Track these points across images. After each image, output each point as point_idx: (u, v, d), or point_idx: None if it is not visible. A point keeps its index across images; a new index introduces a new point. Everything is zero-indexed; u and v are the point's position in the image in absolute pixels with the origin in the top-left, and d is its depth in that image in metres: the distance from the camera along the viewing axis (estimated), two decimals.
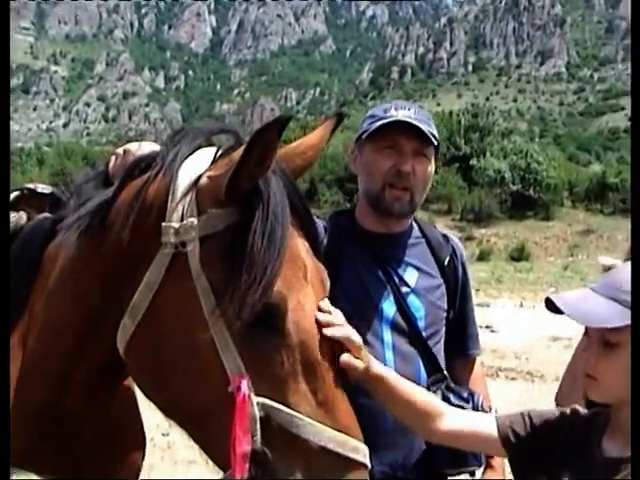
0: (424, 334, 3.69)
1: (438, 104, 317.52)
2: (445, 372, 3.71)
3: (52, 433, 2.89)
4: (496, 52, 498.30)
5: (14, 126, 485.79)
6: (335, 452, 2.27)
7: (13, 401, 2.76)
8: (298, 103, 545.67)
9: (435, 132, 3.75)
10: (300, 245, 2.49)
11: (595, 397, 2.82)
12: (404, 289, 3.71)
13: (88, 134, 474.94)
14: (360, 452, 2.33)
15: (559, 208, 69.21)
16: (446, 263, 3.88)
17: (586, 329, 2.88)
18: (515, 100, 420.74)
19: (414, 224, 3.97)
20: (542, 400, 5.19)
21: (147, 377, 2.59)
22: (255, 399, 2.28)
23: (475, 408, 3.55)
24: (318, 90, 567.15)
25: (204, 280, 2.36)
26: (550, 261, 55.50)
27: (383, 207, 3.71)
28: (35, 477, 2.89)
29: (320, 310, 2.44)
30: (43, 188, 3.18)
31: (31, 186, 3.25)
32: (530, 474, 2.88)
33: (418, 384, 3.44)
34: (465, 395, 3.63)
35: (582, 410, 2.95)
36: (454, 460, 3.57)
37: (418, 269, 3.80)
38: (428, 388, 3.55)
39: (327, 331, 2.39)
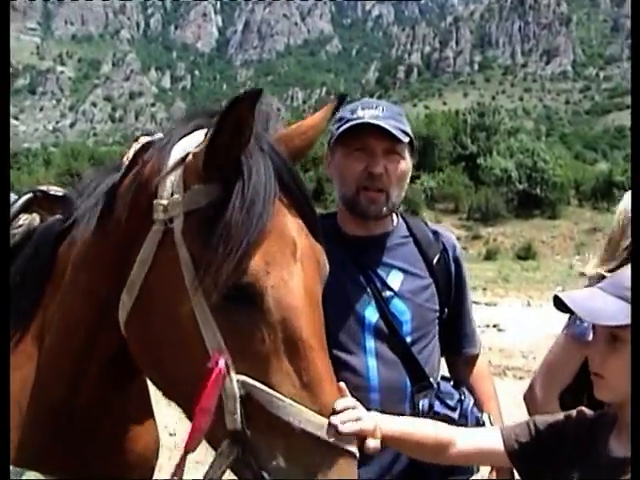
0: (409, 338, 3.60)
1: (444, 103, 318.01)
2: (431, 379, 3.60)
3: (65, 431, 2.87)
4: (502, 51, 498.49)
5: (20, 127, 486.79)
6: (316, 436, 2.20)
7: (28, 400, 2.81)
8: (304, 103, 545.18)
9: (406, 128, 3.63)
10: (290, 223, 2.45)
11: (603, 396, 2.84)
12: (387, 293, 3.63)
13: (95, 134, 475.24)
14: (343, 437, 2.25)
15: (566, 207, 69.18)
16: (435, 261, 3.77)
17: (593, 328, 2.88)
18: (521, 99, 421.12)
19: (402, 222, 3.89)
20: None
21: (142, 352, 2.58)
22: (235, 377, 2.26)
23: (463, 415, 3.50)
24: (324, 90, 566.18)
25: (186, 254, 2.37)
26: (557, 260, 55.49)
27: (359, 210, 3.64)
28: (43, 477, 2.85)
29: (335, 412, 2.30)
30: (55, 190, 3.20)
31: (43, 188, 3.27)
32: (539, 478, 2.91)
33: (403, 392, 3.53)
34: (453, 403, 3.53)
35: (588, 411, 2.95)
36: (445, 471, 3.47)
37: (403, 271, 3.70)
38: (413, 396, 3.52)
39: (342, 428, 2.26)
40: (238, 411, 2.24)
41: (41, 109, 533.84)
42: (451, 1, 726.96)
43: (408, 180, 3.78)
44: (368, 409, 3.17)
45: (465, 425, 3.39)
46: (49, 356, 2.84)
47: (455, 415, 3.47)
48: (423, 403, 3.49)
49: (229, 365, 2.27)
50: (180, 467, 2.35)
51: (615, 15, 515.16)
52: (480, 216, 66.09)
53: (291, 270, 2.36)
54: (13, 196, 3.30)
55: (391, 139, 3.53)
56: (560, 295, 2.88)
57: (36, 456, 2.82)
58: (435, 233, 3.89)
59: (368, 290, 3.63)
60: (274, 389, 2.24)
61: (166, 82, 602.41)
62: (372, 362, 3.53)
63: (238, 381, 2.25)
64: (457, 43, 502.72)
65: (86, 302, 2.69)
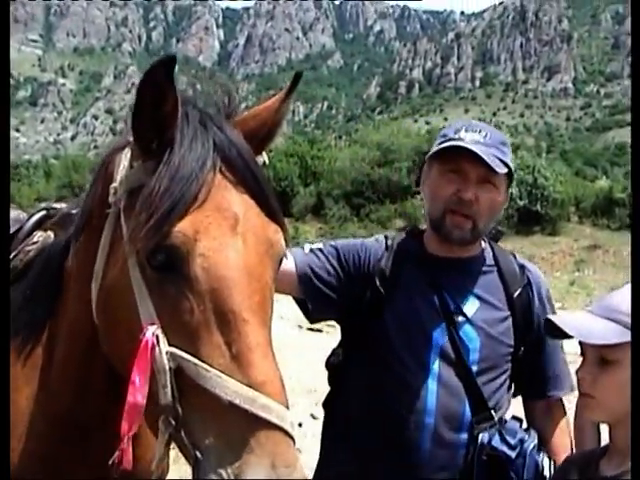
0: (476, 367, 3.52)
1: (445, 119, 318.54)
2: (493, 412, 3.51)
3: (72, 440, 2.91)
4: (503, 67, 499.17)
5: (21, 138, 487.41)
6: (243, 409, 2.12)
7: (37, 410, 2.87)
8: (306, 117, 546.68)
9: (506, 158, 3.55)
10: (234, 198, 2.41)
11: (595, 416, 2.98)
12: (459, 318, 3.56)
13: (95, 147, 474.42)
14: (273, 412, 2.13)
15: (566, 223, 69.11)
16: (517, 294, 3.67)
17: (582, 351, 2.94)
18: (522, 115, 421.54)
19: (489, 250, 3.82)
20: None
21: (103, 335, 2.59)
22: (165, 348, 2.23)
23: (522, 455, 3.38)
24: (326, 104, 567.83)
25: (125, 230, 2.41)
26: (557, 276, 55.49)
27: (443, 233, 3.60)
28: None
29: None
30: (68, 208, 3.19)
31: (56, 206, 3.31)
32: None
33: (460, 420, 3.46)
34: (513, 442, 3.40)
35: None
36: None
37: (481, 299, 3.62)
38: (472, 427, 3.45)
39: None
40: (169, 384, 2.20)
41: (42, 121, 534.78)
42: (453, 17, 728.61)
43: (500, 212, 3.74)
44: (420, 434, 3.42)
45: (522, 466, 3.34)
46: (58, 366, 2.87)
47: (513, 454, 3.36)
48: (483, 436, 3.41)
49: (159, 337, 2.23)
50: (124, 452, 2.31)
51: (616, 33, 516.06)
52: None
53: (226, 242, 2.32)
54: (19, 212, 3.45)
55: (487, 167, 3.44)
56: (551, 318, 3.00)
57: (43, 465, 2.84)
58: (522, 267, 3.80)
59: (440, 311, 3.56)
60: (204, 361, 2.19)
61: None
62: (433, 385, 3.47)
63: (167, 353, 2.22)
64: (458, 59, 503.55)
65: (83, 310, 2.68)
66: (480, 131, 3.59)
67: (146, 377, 2.21)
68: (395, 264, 3.68)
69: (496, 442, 3.39)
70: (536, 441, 3.49)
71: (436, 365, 3.49)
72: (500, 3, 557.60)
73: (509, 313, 3.64)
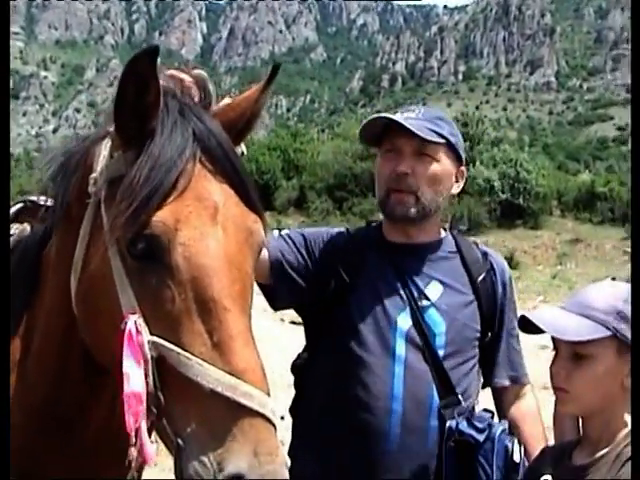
0: (442, 352, 3.49)
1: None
2: (460, 396, 3.48)
3: (49, 431, 2.88)
4: (486, 61, 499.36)
5: None
6: (225, 396, 2.12)
7: (14, 402, 2.73)
8: (288, 110, 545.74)
9: (443, 131, 3.58)
10: (214, 188, 2.43)
11: (569, 409, 3.04)
12: (423, 302, 3.55)
13: None
14: (254, 399, 2.14)
15: (548, 217, 69.27)
16: (480, 279, 3.68)
17: (555, 346, 2.99)
18: (505, 109, 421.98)
19: (450, 239, 3.82)
20: None
21: (84, 325, 2.58)
22: (147, 337, 2.23)
23: (490, 439, 3.33)
24: (308, 98, 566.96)
25: (105, 219, 2.40)
26: (539, 270, 55.61)
27: (388, 212, 3.60)
28: None
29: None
30: (45, 200, 3.15)
31: (33, 198, 3.27)
32: None
33: (428, 405, 3.42)
34: (481, 425, 3.36)
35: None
36: None
37: (444, 284, 3.62)
38: (440, 412, 3.42)
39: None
40: (150, 373, 2.21)
41: (24, 114, 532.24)
42: (436, 11, 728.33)
43: (447, 185, 3.70)
44: (388, 420, 3.37)
45: (491, 451, 3.30)
46: (34, 357, 2.85)
47: (481, 437, 3.32)
48: (450, 422, 3.38)
49: (141, 326, 2.24)
50: (142, 447, 2.27)
51: (599, 27, 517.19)
52: (463, 225, 66.17)
53: (206, 231, 2.33)
54: None
55: (420, 139, 3.45)
56: (527, 315, 3.02)
57: (20, 456, 2.77)
58: (484, 254, 3.80)
59: (404, 296, 3.55)
60: (185, 350, 2.19)
61: None
62: (399, 370, 3.44)
63: (149, 342, 2.22)
64: (441, 53, 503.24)
65: (60, 301, 2.67)
66: (414, 110, 3.62)
67: (140, 364, 2.21)
68: (357, 253, 3.66)
69: (463, 426, 3.35)
70: (506, 426, 3.45)
71: (402, 350, 3.45)
72: None
73: (474, 297, 3.64)
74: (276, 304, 3.77)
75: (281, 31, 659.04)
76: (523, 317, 3.05)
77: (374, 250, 3.70)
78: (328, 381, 3.59)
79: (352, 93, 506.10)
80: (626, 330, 2.81)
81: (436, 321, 3.51)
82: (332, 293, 3.58)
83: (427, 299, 3.55)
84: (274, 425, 2.17)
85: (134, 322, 2.23)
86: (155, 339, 2.22)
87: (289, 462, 2.18)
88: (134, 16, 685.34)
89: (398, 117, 3.50)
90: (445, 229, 3.86)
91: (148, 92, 2.35)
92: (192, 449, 2.13)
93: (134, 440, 2.25)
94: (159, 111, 2.41)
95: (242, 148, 2.77)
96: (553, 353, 2.99)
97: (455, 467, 3.35)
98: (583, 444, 2.99)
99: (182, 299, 2.25)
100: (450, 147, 3.63)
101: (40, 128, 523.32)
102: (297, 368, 3.83)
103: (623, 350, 2.82)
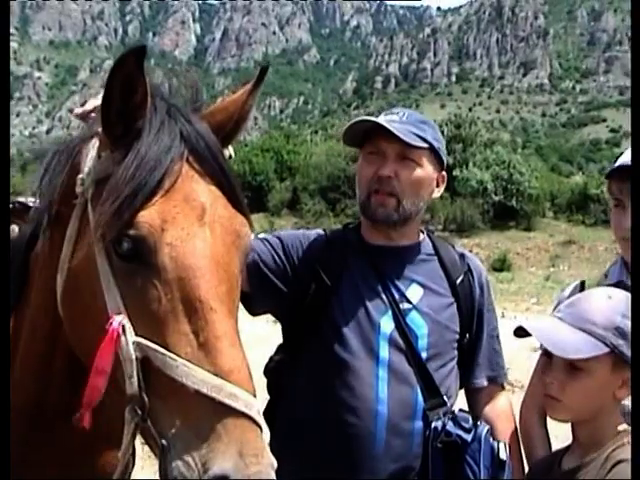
0: (425, 354, 3.50)
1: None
2: (445, 398, 3.49)
3: (36, 431, 2.87)
4: (479, 63, 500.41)
5: None
6: (210, 397, 2.10)
7: None
8: (282, 112, 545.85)
9: (427, 135, 3.57)
10: (202, 189, 2.43)
11: (558, 416, 3.05)
12: (405, 305, 3.54)
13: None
14: (240, 400, 2.12)
15: (541, 219, 69.27)
16: (459, 281, 3.69)
17: (545, 351, 3.04)
18: (498, 111, 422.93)
19: (428, 241, 3.81)
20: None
21: (69, 326, 2.57)
22: (132, 338, 2.22)
23: (477, 440, 3.35)
24: (302, 99, 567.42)
25: (93, 219, 2.39)
26: (532, 271, 55.65)
27: (369, 214, 3.59)
28: None
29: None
30: (34, 201, 3.09)
31: (22, 199, 3.26)
32: None
33: (413, 408, 3.41)
34: (467, 425, 3.37)
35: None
36: None
37: (424, 286, 3.62)
38: (425, 414, 3.41)
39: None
40: (135, 374, 2.19)
41: (17, 115, 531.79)
42: (429, 13, 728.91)
43: (429, 189, 3.70)
44: (374, 423, 3.36)
45: (478, 451, 3.32)
46: (20, 357, 2.84)
47: (468, 437, 3.33)
48: (436, 423, 3.37)
49: (126, 327, 2.23)
50: (86, 410, 2.31)
51: (592, 29, 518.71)
52: (455, 227, 66.07)
53: (193, 231, 2.32)
54: None
55: (404, 143, 3.46)
56: (525, 326, 3.05)
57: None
58: (461, 255, 3.82)
59: (385, 299, 3.55)
60: (171, 350, 2.18)
61: None
62: (383, 373, 3.43)
63: (134, 343, 2.21)
64: (435, 54, 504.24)
65: (46, 302, 2.68)
66: (397, 113, 3.62)
67: (108, 363, 2.22)
68: (337, 255, 3.66)
69: (450, 427, 3.35)
70: (489, 426, 3.48)
71: (385, 353, 3.45)
72: None
73: (453, 300, 3.65)
74: (254, 309, 3.71)
75: (274, 32, 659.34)
76: (520, 327, 3.06)
77: (354, 253, 3.69)
78: (311, 385, 3.56)
79: (345, 95, 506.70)
80: (623, 346, 2.83)
81: (418, 323, 3.52)
82: (313, 296, 3.57)
83: (408, 302, 3.55)
84: (260, 426, 2.15)
85: (119, 322, 2.22)
86: (140, 340, 2.21)
87: (276, 464, 2.14)
88: (128, 17, 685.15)
89: (382, 120, 3.51)
90: (422, 231, 3.85)
91: (135, 92, 2.35)
92: (176, 450, 2.10)
93: (84, 413, 2.31)
94: (147, 111, 2.41)
95: (230, 151, 2.77)
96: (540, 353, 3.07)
97: (442, 468, 3.34)
98: (573, 449, 3.03)
99: (168, 299, 2.24)
100: (433, 152, 3.63)
101: (34, 129, 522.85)
102: (271, 371, 3.79)
103: (619, 365, 2.85)
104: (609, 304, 2.93)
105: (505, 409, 3.76)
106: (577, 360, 2.86)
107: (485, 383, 3.77)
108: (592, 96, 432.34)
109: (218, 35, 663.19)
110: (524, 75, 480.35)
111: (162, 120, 2.43)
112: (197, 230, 2.34)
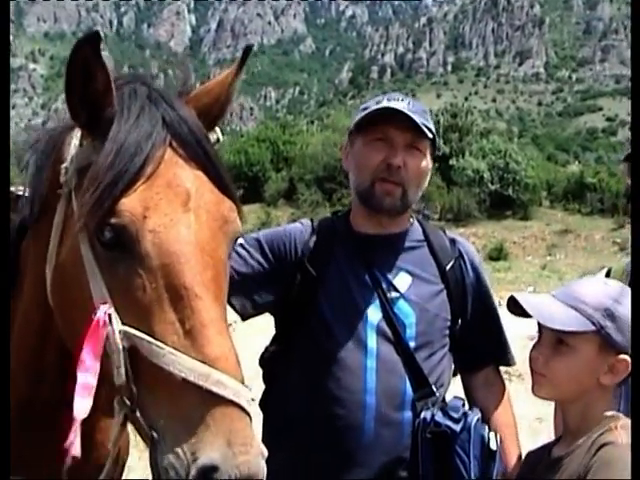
0: (413, 343, 3.46)
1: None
2: (434, 387, 3.45)
3: (28, 427, 2.83)
4: (475, 52, 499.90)
5: None
6: (197, 385, 2.07)
7: None
8: (277, 102, 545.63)
9: (431, 125, 3.52)
10: (186, 175, 2.39)
11: (544, 393, 3.04)
12: (392, 294, 3.50)
13: None
14: (227, 388, 2.09)
15: (537, 208, 69.49)
16: (449, 267, 3.64)
17: (539, 331, 3.04)
18: (494, 100, 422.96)
19: (418, 226, 3.77)
20: (519, 398, 5.09)
21: (59, 317, 2.54)
22: (118, 327, 2.19)
23: (466, 429, 3.31)
24: (297, 89, 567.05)
25: (75, 208, 2.37)
26: (528, 260, 55.72)
27: (373, 203, 3.52)
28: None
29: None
30: (23, 190, 3.05)
31: (12, 189, 3.15)
32: None
33: (401, 398, 3.39)
34: (457, 415, 3.33)
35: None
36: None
37: (413, 274, 3.57)
38: (414, 404, 3.39)
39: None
40: (122, 364, 2.17)
41: (13, 107, 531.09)
42: (425, 2, 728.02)
43: (426, 181, 3.67)
44: (362, 414, 3.34)
45: (468, 441, 3.29)
46: (12, 351, 2.73)
47: (457, 427, 3.30)
48: (425, 414, 3.34)
49: (112, 316, 2.21)
50: (74, 432, 2.25)
51: (588, 18, 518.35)
52: (452, 217, 66.23)
53: (177, 217, 2.29)
54: None
55: (413, 132, 3.44)
56: (516, 296, 3.05)
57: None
58: (452, 240, 3.76)
59: (372, 289, 3.51)
60: (157, 339, 2.15)
61: None
62: (371, 363, 3.40)
63: (121, 332, 2.18)
64: (430, 44, 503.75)
65: (37, 294, 2.63)
66: (402, 99, 3.54)
67: (97, 356, 2.18)
68: (323, 245, 3.63)
69: (439, 417, 3.31)
70: (479, 415, 3.43)
71: (373, 343, 3.42)
72: None
73: (443, 287, 3.60)
74: (243, 317, 3.70)
75: (270, 23, 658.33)
76: (512, 298, 3.06)
77: (341, 242, 3.64)
78: (300, 376, 3.55)
79: (341, 85, 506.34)
80: (611, 329, 2.86)
81: (406, 312, 3.49)
82: (299, 288, 3.56)
83: (396, 290, 3.51)
84: (249, 414, 2.12)
85: (104, 312, 2.20)
86: (126, 329, 2.18)
87: (266, 452, 2.13)
88: (123, 8, 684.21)
89: (393, 106, 3.46)
90: (413, 217, 3.79)
91: (95, 80, 2.32)
92: (166, 440, 2.10)
93: (78, 430, 2.25)
94: (120, 97, 2.41)
95: (218, 134, 2.75)
96: (526, 342, 2.89)
97: (431, 458, 3.32)
98: (563, 438, 3.06)
99: (153, 287, 2.21)
100: (433, 142, 3.61)
101: (29, 121, 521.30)
102: (265, 361, 3.76)
103: (605, 348, 2.87)
104: (603, 289, 2.97)
105: (503, 397, 3.73)
106: (563, 334, 2.89)
107: (482, 368, 3.75)
108: (588, 85, 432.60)
109: (213, 26, 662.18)
110: (520, 64, 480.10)
111: (142, 105, 2.41)
112: (181, 216, 2.30)
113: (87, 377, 2.19)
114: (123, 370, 2.17)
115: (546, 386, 2.98)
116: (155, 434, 2.13)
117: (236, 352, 2.23)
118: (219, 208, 2.45)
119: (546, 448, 3.17)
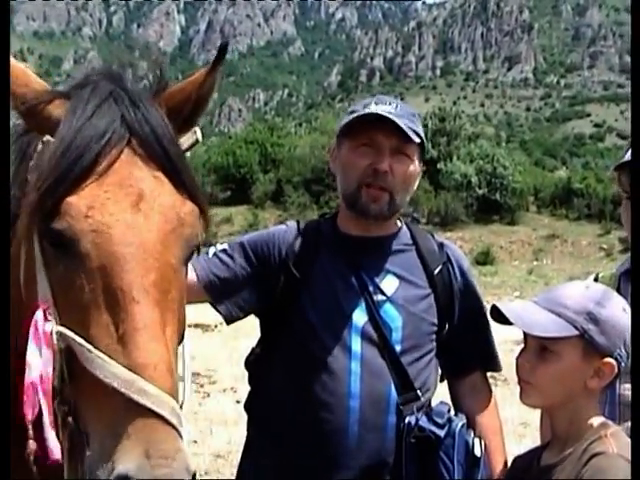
0: (399, 347, 3.42)
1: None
2: (419, 392, 3.42)
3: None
4: (464, 57, 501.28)
5: None
6: (121, 392, 1.96)
7: None
8: (266, 104, 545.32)
9: (419, 130, 3.48)
10: (142, 175, 2.30)
11: (531, 401, 3.02)
12: (379, 297, 3.46)
13: None
14: (150, 397, 1.97)
15: (524, 213, 69.64)
16: (437, 271, 3.59)
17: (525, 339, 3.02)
18: (482, 105, 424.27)
19: (406, 230, 3.72)
20: (505, 403, 5.10)
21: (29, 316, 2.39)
22: (55, 328, 2.13)
23: (451, 435, 3.29)
24: (286, 92, 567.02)
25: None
26: (515, 265, 55.85)
27: (359, 208, 3.48)
28: None
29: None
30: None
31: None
32: None
33: (386, 402, 3.37)
34: (441, 421, 3.30)
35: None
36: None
37: (400, 277, 3.53)
38: (399, 409, 3.36)
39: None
40: (58, 366, 2.12)
41: None
42: (414, 6, 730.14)
43: (415, 185, 3.64)
44: (346, 418, 3.34)
45: (452, 446, 3.27)
46: None
47: (442, 433, 3.27)
48: (410, 418, 3.32)
49: (49, 316, 2.17)
50: (44, 441, 2.21)
51: (576, 24, 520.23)
52: (439, 221, 66.32)
53: (123, 218, 2.20)
54: None
55: (400, 137, 3.39)
56: (498, 305, 3.05)
57: None
58: (440, 245, 3.72)
59: (358, 292, 3.48)
60: (92, 342, 2.06)
61: None
62: (356, 367, 3.37)
63: (57, 332, 2.12)
64: (419, 48, 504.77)
65: (17, 293, 2.50)
66: (390, 103, 3.50)
67: (41, 355, 2.16)
68: (308, 247, 3.61)
69: (423, 422, 3.30)
70: (465, 420, 3.41)
71: (358, 346, 3.40)
72: None
73: (430, 291, 3.57)
74: (227, 321, 3.73)
75: (259, 24, 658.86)
76: (495, 307, 3.07)
77: (327, 244, 3.63)
78: (284, 379, 3.54)
79: (330, 87, 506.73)
80: (594, 332, 2.85)
81: (392, 316, 3.46)
82: (282, 290, 3.54)
83: (382, 293, 3.48)
84: (175, 427, 2.01)
85: (43, 311, 2.17)
86: (62, 330, 2.12)
87: (192, 467, 1.98)
88: (112, 8, 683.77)
89: (379, 111, 3.40)
90: (400, 219, 3.75)
91: (23, 95, 2.34)
92: (93, 447, 2.02)
93: (31, 433, 2.17)
94: (57, 101, 2.39)
95: (198, 135, 2.69)
96: (513, 347, 2.90)
97: (415, 463, 3.31)
98: (552, 444, 3.04)
99: (91, 288, 2.13)
100: (421, 146, 3.57)
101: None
102: (251, 364, 3.74)
103: (589, 352, 2.86)
104: (584, 292, 2.96)
105: (489, 403, 3.71)
106: (546, 340, 2.88)
107: (469, 374, 3.71)
108: (576, 91, 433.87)
109: (203, 27, 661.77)
110: (509, 69, 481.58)
111: (99, 103, 2.34)
112: (128, 217, 2.21)
113: (32, 375, 2.15)
114: (59, 373, 2.12)
115: (533, 394, 2.97)
116: (85, 439, 2.06)
117: (170, 360, 2.12)
118: (175, 210, 2.34)
119: (534, 453, 3.15)
